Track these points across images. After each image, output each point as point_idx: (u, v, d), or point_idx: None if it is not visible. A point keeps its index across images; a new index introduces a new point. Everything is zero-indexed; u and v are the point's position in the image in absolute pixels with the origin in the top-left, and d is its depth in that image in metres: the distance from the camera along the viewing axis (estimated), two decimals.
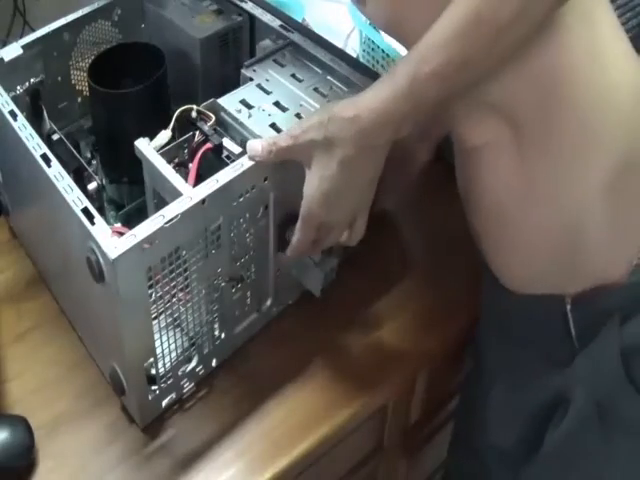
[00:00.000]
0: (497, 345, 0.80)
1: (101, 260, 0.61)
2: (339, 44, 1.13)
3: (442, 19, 0.58)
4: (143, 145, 0.69)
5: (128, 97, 0.76)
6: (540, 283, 0.70)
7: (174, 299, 0.68)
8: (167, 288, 0.66)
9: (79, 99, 0.88)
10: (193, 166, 0.69)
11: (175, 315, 0.71)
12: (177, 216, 0.62)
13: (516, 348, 0.77)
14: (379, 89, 0.62)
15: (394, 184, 0.88)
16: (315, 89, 0.75)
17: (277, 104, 0.73)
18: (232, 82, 0.85)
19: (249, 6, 0.85)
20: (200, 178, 0.67)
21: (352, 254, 0.84)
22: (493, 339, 0.81)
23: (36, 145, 0.68)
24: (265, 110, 0.72)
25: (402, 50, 1.04)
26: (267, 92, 0.75)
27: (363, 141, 0.63)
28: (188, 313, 0.70)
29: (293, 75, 0.77)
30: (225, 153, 0.71)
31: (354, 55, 1.10)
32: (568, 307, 0.69)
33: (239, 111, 0.72)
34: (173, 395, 0.75)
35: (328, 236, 0.71)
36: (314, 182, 0.66)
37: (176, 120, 0.72)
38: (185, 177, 0.67)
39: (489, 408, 0.81)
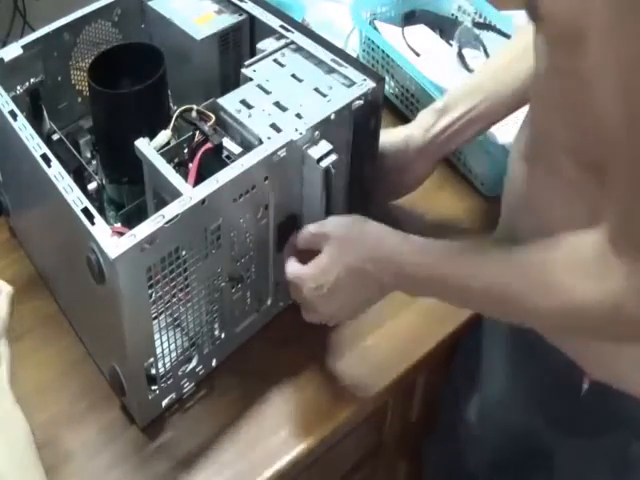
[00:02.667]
0: (568, 440, 0.78)
1: (101, 260, 0.61)
2: (339, 44, 1.13)
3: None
4: (143, 145, 0.69)
5: (128, 97, 0.75)
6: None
7: (174, 299, 0.68)
8: (167, 288, 0.66)
9: (79, 99, 0.88)
10: (193, 166, 0.69)
11: (175, 315, 0.70)
12: (177, 216, 0.62)
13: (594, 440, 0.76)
14: (420, 254, 0.65)
15: (394, 190, 0.89)
16: (315, 89, 0.75)
17: (277, 104, 0.73)
18: (232, 82, 0.85)
19: (249, 6, 0.85)
20: (200, 178, 0.67)
21: None
22: (560, 434, 0.79)
23: (36, 145, 0.68)
24: (265, 110, 0.72)
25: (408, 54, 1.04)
26: (267, 92, 0.75)
27: (369, 278, 0.67)
28: (188, 313, 0.70)
29: (293, 75, 0.77)
30: (225, 153, 0.71)
31: (354, 55, 1.10)
32: None
33: (239, 111, 0.72)
34: (173, 395, 0.75)
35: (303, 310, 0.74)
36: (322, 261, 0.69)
37: (176, 120, 0.72)
38: (185, 177, 0.67)
39: None
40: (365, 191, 0.82)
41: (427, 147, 0.83)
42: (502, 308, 0.63)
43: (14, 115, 0.71)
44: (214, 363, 0.78)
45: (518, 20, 1.20)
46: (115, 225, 0.80)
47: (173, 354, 0.71)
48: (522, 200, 0.69)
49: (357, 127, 0.74)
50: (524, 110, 0.83)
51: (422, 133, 0.83)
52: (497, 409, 0.85)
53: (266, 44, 0.81)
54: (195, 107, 0.73)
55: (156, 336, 0.68)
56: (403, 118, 1.07)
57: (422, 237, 0.67)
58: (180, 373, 0.74)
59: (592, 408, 0.73)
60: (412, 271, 0.65)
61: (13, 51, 0.78)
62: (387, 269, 0.66)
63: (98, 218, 0.62)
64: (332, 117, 0.71)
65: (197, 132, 0.71)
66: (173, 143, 0.71)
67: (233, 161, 0.68)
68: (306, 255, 0.73)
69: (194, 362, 0.75)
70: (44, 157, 0.67)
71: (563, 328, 0.64)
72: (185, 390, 0.76)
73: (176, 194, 0.64)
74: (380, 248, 0.67)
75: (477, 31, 1.08)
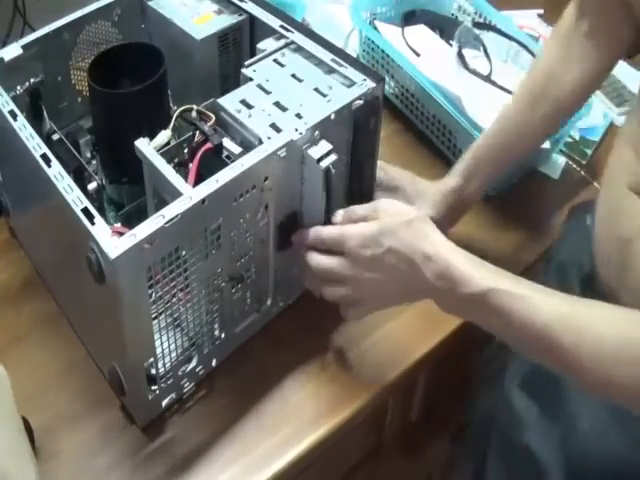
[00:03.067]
0: None
1: (101, 260, 0.61)
2: (339, 44, 1.13)
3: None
4: (143, 145, 0.69)
5: (128, 97, 0.75)
6: None
7: (174, 299, 0.68)
8: (167, 288, 0.65)
9: (79, 99, 0.88)
10: (193, 166, 0.69)
11: (175, 315, 0.70)
12: (177, 216, 0.62)
13: None
14: (467, 267, 0.63)
15: None
16: (315, 89, 0.75)
17: (277, 104, 0.73)
18: (232, 82, 0.85)
19: (249, 6, 0.85)
20: (200, 178, 0.67)
21: None
22: None
23: (36, 145, 0.68)
24: (265, 110, 0.72)
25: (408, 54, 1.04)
26: (267, 92, 0.75)
27: (415, 271, 0.65)
28: (188, 313, 0.70)
29: (293, 75, 0.77)
30: (225, 153, 0.71)
31: (354, 55, 1.10)
32: None
33: (239, 111, 0.72)
34: (173, 395, 0.75)
35: (325, 284, 0.72)
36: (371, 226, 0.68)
37: (176, 120, 0.72)
38: (185, 177, 0.67)
39: None
40: (365, 191, 0.82)
41: (460, 206, 0.86)
42: (547, 355, 0.60)
43: (14, 115, 0.71)
44: (214, 363, 0.78)
45: (518, 20, 1.20)
46: (115, 225, 0.80)
47: (173, 354, 0.71)
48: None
49: (357, 127, 0.74)
50: None
51: (455, 197, 0.85)
52: (588, 439, 0.73)
53: (266, 44, 0.81)
54: (195, 107, 0.73)
55: (156, 336, 0.68)
56: (403, 118, 1.07)
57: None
58: (180, 373, 0.74)
59: None
60: (459, 276, 0.63)
61: (13, 51, 0.78)
62: (432, 266, 0.64)
63: (98, 218, 0.62)
64: (332, 117, 0.71)
65: (197, 132, 0.71)
66: (173, 143, 0.71)
67: (233, 161, 0.67)
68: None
69: (194, 362, 0.75)
70: (44, 157, 0.67)
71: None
72: (185, 390, 0.76)
73: (176, 194, 0.64)
74: (427, 243, 0.65)
75: (477, 31, 1.08)
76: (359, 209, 0.72)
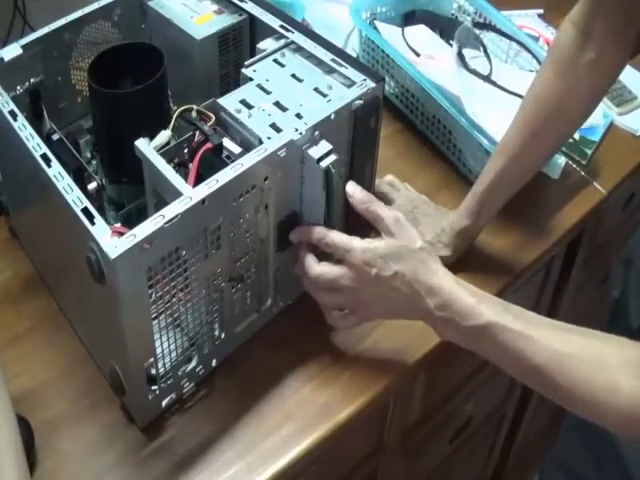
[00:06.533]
0: None
1: (101, 260, 0.61)
2: (339, 44, 1.13)
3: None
4: (143, 145, 0.69)
5: (128, 97, 0.75)
6: None
7: (174, 299, 0.68)
8: (167, 288, 0.65)
9: (79, 99, 0.88)
10: (193, 166, 0.69)
11: (175, 315, 0.70)
12: (177, 216, 0.62)
13: None
14: (469, 301, 0.65)
15: None
16: (315, 89, 0.75)
17: (277, 104, 0.73)
18: (232, 82, 0.86)
19: (249, 6, 0.85)
20: (200, 178, 0.67)
21: None
22: None
23: (36, 145, 0.68)
24: (265, 110, 0.72)
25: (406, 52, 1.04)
26: (267, 92, 0.75)
27: (418, 299, 0.67)
28: (188, 313, 0.70)
29: (293, 75, 0.77)
30: (225, 153, 0.71)
31: (354, 55, 1.10)
32: None
33: (239, 111, 0.72)
34: (173, 395, 0.75)
35: (323, 291, 0.74)
36: (378, 244, 0.69)
37: (176, 120, 0.73)
38: (185, 177, 0.67)
39: None
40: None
41: (470, 241, 0.89)
42: (542, 388, 0.63)
43: (14, 115, 0.71)
44: (214, 363, 0.78)
45: (518, 20, 1.20)
46: (115, 225, 0.80)
47: (173, 354, 0.71)
48: None
49: (357, 127, 0.74)
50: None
51: (468, 235, 0.87)
52: None
53: (266, 44, 0.81)
54: (195, 107, 0.73)
55: (156, 336, 0.68)
56: (403, 118, 1.07)
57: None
58: (180, 373, 0.74)
59: None
60: (460, 309, 0.65)
61: (13, 51, 0.78)
62: (435, 298, 0.67)
63: (98, 218, 0.62)
64: (332, 117, 0.71)
65: (197, 132, 0.71)
66: (173, 143, 0.71)
67: (233, 161, 0.68)
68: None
69: (194, 362, 0.75)
70: (44, 157, 0.67)
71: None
72: (185, 390, 0.76)
73: (176, 194, 0.64)
74: (432, 276, 0.67)
75: (477, 31, 1.08)
76: (379, 208, 0.72)
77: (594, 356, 0.59)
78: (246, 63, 0.78)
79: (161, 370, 0.71)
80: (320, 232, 0.73)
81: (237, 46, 0.86)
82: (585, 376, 0.59)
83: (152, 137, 0.71)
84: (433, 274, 0.67)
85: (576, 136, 1.04)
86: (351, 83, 0.75)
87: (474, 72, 1.04)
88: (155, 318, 0.67)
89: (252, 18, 0.85)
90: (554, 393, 0.62)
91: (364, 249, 0.69)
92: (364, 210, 0.72)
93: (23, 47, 0.78)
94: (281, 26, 0.81)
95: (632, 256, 0.96)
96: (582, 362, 0.59)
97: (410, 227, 0.71)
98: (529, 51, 1.05)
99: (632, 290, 0.94)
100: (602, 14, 0.74)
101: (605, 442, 0.82)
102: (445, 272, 0.68)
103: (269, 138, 0.69)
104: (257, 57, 0.79)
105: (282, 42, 0.80)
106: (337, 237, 0.72)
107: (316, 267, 0.73)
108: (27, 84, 0.80)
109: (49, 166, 0.66)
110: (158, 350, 0.69)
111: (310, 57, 0.78)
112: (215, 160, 0.70)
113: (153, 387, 0.72)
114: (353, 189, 0.73)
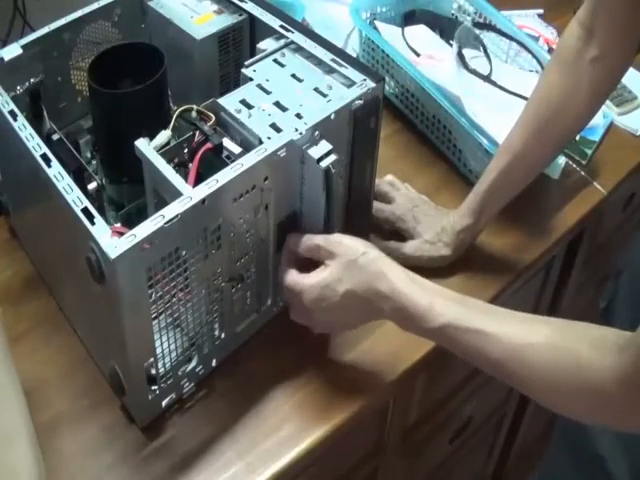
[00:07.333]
0: None
1: (101, 260, 0.61)
2: (339, 44, 1.13)
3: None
4: (143, 145, 0.69)
5: (128, 97, 0.75)
6: None
7: (174, 299, 0.68)
8: (167, 288, 0.65)
9: (79, 99, 0.88)
10: (193, 166, 0.69)
11: (175, 315, 0.70)
12: (177, 216, 0.62)
13: None
14: (423, 302, 0.65)
15: None
16: (315, 89, 0.75)
17: (277, 104, 0.73)
18: (232, 82, 0.85)
19: (249, 6, 0.85)
20: (200, 178, 0.67)
21: None
22: None
23: (36, 145, 0.68)
24: (265, 110, 0.72)
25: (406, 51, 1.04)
26: (267, 92, 0.75)
27: (372, 306, 0.68)
28: (188, 313, 0.70)
29: (293, 75, 0.77)
30: (225, 153, 0.71)
31: (354, 55, 1.10)
32: None
33: (239, 111, 0.72)
34: (173, 395, 0.75)
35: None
36: (324, 276, 0.70)
37: (176, 120, 0.72)
38: (185, 177, 0.67)
39: None
40: (365, 191, 0.82)
41: (471, 240, 0.89)
42: (506, 380, 0.63)
43: (14, 115, 0.71)
44: (214, 363, 0.78)
45: (518, 20, 1.20)
46: (115, 225, 0.80)
47: (173, 354, 0.71)
48: None
49: (357, 127, 0.74)
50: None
51: (469, 234, 0.87)
52: None
53: (266, 44, 0.81)
54: (195, 107, 0.73)
55: (156, 336, 0.68)
56: (403, 118, 1.07)
57: (431, 282, 0.68)
58: (180, 373, 0.74)
59: None
60: (415, 312, 0.65)
61: (13, 51, 0.78)
62: (388, 303, 0.67)
63: (98, 218, 0.62)
64: (332, 117, 0.71)
65: (197, 132, 0.71)
66: (173, 143, 0.71)
67: (233, 161, 0.67)
68: (305, 260, 0.74)
69: (194, 362, 0.75)
70: (44, 157, 0.67)
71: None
72: (185, 390, 0.76)
73: (176, 194, 0.64)
74: (382, 282, 0.67)
75: (477, 31, 1.08)
76: (310, 240, 0.73)
77: (556, 341, 0.58)
78: (246, 63, 0.78)
79: (161, 370, 0.71)
80: (282, 268, 0.75)
81: (237, 46, 0.86)
82: (547, 362, 0.58)
83: (152, 137, 0.71)
84: (382, 279, 0.67)
85: (576, 136, 1.04)
86: (351, 83, 0.75)
87: (474, 72, 1.04)
88: (155, 318, 0.67)
89: (252, 18, 0.85)
90: (521, 385, 0.61)
91: (310, 287, 0.71)
92: (305, 253, 0.73)
93: (23, 47, 0.78)
94: (281, 26, 0.81)
95: (621, 268, 0.97)
96: (542, 349, 0.58)
97: (345, 237, 0.71)
98: (529, 51, 1.05)
99: (619, 302, 0.94)
100: (605, 11, 0.74)
101: (596, 463, 0.82)
102: (396, 273, 0.67)
103: (269, 138, 0.69)
104: (257, 57, 0.79)
105: (282, 42, 0.80)
106: (289, 279, 0.73)
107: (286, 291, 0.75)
108: (27, 84, 0.80)
109: (49, 166, 0.66)
110: (158, 350, 0.69)
111: (310, 57, 0.78)
112: (215, 160, 0.70)
113: (153, 387, 0.72)
114: (294, 242, 0.74)
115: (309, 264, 0.74)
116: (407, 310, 0.65)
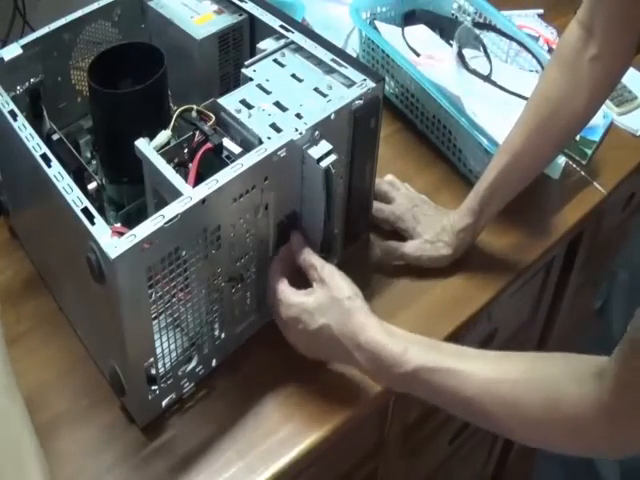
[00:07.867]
0: None
1: (101, 260, 0.61)
2: (339, 44, 1.13)
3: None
4: (143, 145, 0.69)
5: (128, 97, 0.75)
6: None
7: (174, 299, 0.68)
8: (167, 288, 0.65)
9: (79, 99, 0.88)
10: (193, 166, 0.69)
11: (175, 315, 0.70)
12: (177, 216, 0.62)
13: None
14: (396, 348, 0.66)
15: None
16: (315, 89, 0.75)
17: (277, 104, 0.73)
18: (232, 82, 0.86)
19: (249, 6, 0.85)
20: (200, 178, 0.67)
21: (352, 253, 0.85)
22: None
23: (36, 145, 0.68)
24: (265, 110, 0.72)
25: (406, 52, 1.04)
26: (267, 92, 0.75)
27: (342, 349, 0.69)
28: (188, 313, 0.70)
29: (293, 75, 0.77)
30: (225, 153, 0.71)
31: (354, 55, 1.10)
32: None
33: (239, 111, 0.72)
34: (173, 395, 0.75)
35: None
36: (309, 299, 0.71)
37: (176, 120, 0.72)
38: (185, 177, 0.67)
39: None
40: (365, 191, 0.82)
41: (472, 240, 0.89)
42: (481, 421, 0.64)
43: (14, 115, 0.71)
44: (214, 363, 0.78)
45: (518, 20, 1.20)
46: (115, 225, 0.80)
47: (173, 354, 0.71)
48: None
49: (357, 127, 0.74)
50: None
51: (470, 234, 0.87)
52: None
53: (266, 44, 0.81)
54: (195, 107, 0.73)
55: (156, 336, 0.68)
56: (403, 118, 1.07)
57: (405, 331, 0.68)
58: (180, 373, 0.74)
59: None
60: (388, 359, 0.66)
61: (13, 51, 0.78)
62: (363, 354, 0.68)
63: (98, 218, 0.62)
64: (332, 117, 0.71)
65: (197, 132, 0.71)
66: (173, 143, 0.71)
67: (233, 161, 0.68)
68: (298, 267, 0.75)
69: (194, 362, 0.75)
70: (44, 157, 0.67)
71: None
72: (185, 390, 0.76)
73: (176, 194, 0.64)
74: (360, 333, 0.68)
75: (477, 31, 1.08)
76: (313, 257, 0.74)
77: (530, 375, 0.59)
78: (246, 63, 0.78)
79: (161, 370, 0.71)
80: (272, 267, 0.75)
81: (237, 46, 0.86)
82: (518, 397, 0.58)
83: (152, 137, 0.71)
84: (359, 327, 0.68)
85: (576, 136, 1.04)
86: (351, 83, 0.75)
87: (474, 72, 1.04)
88: (155, 318, 0.67)
89: (252, 18, 0.85)
90: (494, 423, 0.61)
91: (295, 304, 0.72)
92: (300, 263, 0.74)
93: (23, 47, 0.78)
94: (281, 26, 0.81)
95: (616, 268, 0.97)
96: (514, 384, 0.59)
97: (337, 274, 0.72)
98: (529, 51, 1.05)
99: (615, 302, 0.94)
100: (603, 10, 0.75)
101: (585, 465, 0.82)
102: (371, 322, 0.68)
103: (269, 138, 0.69)
104: (257, 57, 0.79)
105: (282, 42, 0.80)
106: (277, 285, 0.74)
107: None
108: (27, 84, 0.80)
109: (49, 166, 0.66)
110: (158, 350, 0.69)
111: (310, 57, 0.78)
112: (215, 160, 0.70)
113: (153, 387, 0.72)
114: (296, 243, 0.75)
115: (300, 271, 0.75)
116: (381, 358, 0.66)
